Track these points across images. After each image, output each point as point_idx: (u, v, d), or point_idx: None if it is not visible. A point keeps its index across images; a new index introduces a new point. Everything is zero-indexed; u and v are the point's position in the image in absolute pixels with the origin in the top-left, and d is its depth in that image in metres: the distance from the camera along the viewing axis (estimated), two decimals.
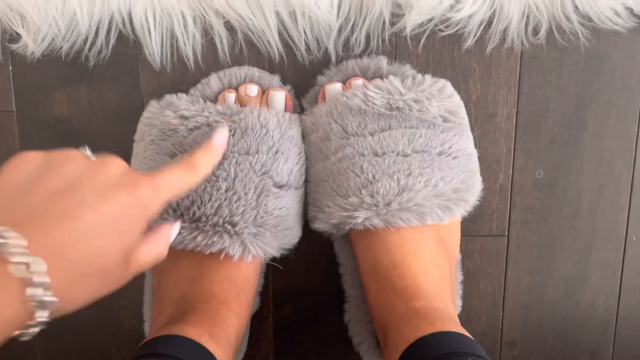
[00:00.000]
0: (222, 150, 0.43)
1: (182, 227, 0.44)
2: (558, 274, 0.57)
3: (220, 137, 0.42)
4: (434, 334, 0.41)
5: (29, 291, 0.28)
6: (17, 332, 0.29)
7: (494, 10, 0.50)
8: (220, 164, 0.45)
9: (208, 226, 0.44)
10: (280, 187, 0.46)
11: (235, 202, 0.45)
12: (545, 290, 0.57)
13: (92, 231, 0.30)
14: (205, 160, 0.39)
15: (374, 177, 0.45)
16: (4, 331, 0.28)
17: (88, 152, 0.34)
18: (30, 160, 0.32)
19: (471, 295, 0.57)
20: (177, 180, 0.36)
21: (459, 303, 0.54)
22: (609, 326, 0.58)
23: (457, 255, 0.52)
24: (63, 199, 0.30)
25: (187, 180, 0.37)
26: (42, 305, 0.28)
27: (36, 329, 0.29)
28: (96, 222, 0.30)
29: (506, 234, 0.56)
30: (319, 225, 0.48)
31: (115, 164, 0.33)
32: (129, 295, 0.56)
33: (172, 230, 0.38)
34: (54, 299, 0.28)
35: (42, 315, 0.29)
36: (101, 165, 0.33)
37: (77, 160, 0.33)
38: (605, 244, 0.56)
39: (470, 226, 0.56)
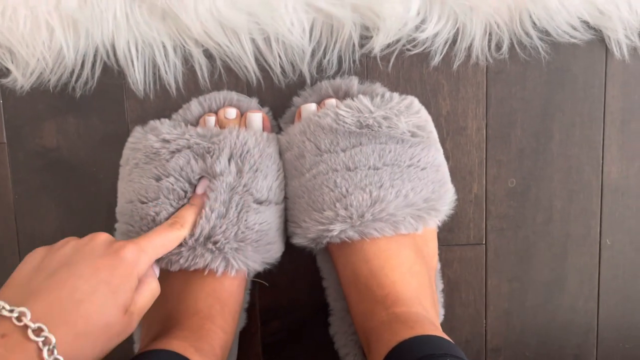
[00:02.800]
0: (204, 199, 0.47)
1: None
2: (537, 280, 0.59)
3: (201, 188, 0.48)
4: (413, 337, 0.42)
5: (44, 353, 0.34)
6: None
7: (458, 29, 0.53)
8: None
9: (189, 245, 0.46)
10: (260, 203, 0.48)
11: (216, 219, 0.46)
12: (525, 296, 0.59)
13: (86, 296, 0.36)
14: (190, 215, 0.46)
15: (347, 191, 0.47)
16: None
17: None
18: (37, 254, 0.40)
19: (453, 304, 0.59)
20: (163, 240, 0.44)
21: (441, 311, 0.55)
22: (591, 329, 0.59)
23: (435, 264, 0.54)
24: (58, 276, 0.37)
25: (174, 237, 0.45)
26: None
27: None
28: (88, 288, 0.37)
29: (484, 242, 0.58)
30: (297, 240, 0.50)
31: (99, 238, 0.40)
32: None
33: (155, 269, 0.44)
34: (60, 357, 0.35)
35: None
36: (88, 241, 0.40)
37: (70, 243, 0.40)
38: (580, 248, 0.58)
39: (449, 236, 0.57)
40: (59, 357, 0.35)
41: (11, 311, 0.35)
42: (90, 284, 0.37)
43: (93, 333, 0.36)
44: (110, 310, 0.37)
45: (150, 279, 0.42)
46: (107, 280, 0.38)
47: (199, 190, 0.48)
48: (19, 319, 0.35)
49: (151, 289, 0.42)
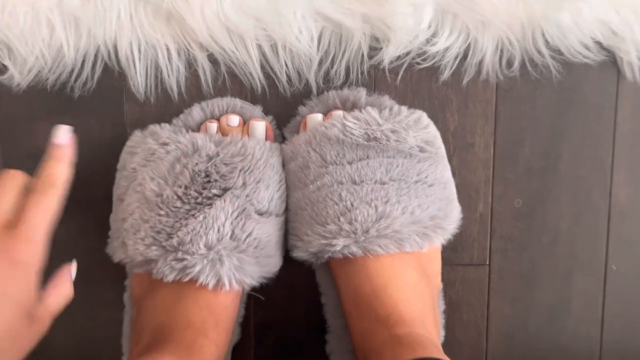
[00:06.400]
0: (71, 148, 0.40)
1: (159, 257, 0.45)
2: (541, 303, 0.57)
3: (61, 136, 0.39)
4: None
5: None
6: None
7: (469, 44, 0.52)
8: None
9: (183, 253, 0.44)
10: (261, 214, 0.47)
11: (217, 230, 0.45)
12: (528, 320, 0.57)
13: None
14: (62, 171, 0.39)
15: (352, 205, 0.45)
16: None
17: None
18: None
19: (454, 325, 0.57)
20: (45, 215, 0.36)
21: (442, 333, 0.53)
22: (594, 355, 0.58)
23: (438, 284, 0.52)
24: None
25: (53, 205, 0.37)
26: None
27: None
28: None
29: (487, 263, 0.56)
30: (298, 254, 0.48)
31: None
32: (108, 328, 0.55)
33: (72, 270, 0.40)
34: None
35: None
36: None
37: None
38: (585, 271, 0.57)
39: (452, 255, 0.56)
40: None
41: None
42: None
43: None
44: (11, 318, 0.34)
45: (61, 284, 0.38)
46: (2, 291, 0.34)
47: (61, 139, 0.39)
48: None
49: (64, 294, 0.38)
